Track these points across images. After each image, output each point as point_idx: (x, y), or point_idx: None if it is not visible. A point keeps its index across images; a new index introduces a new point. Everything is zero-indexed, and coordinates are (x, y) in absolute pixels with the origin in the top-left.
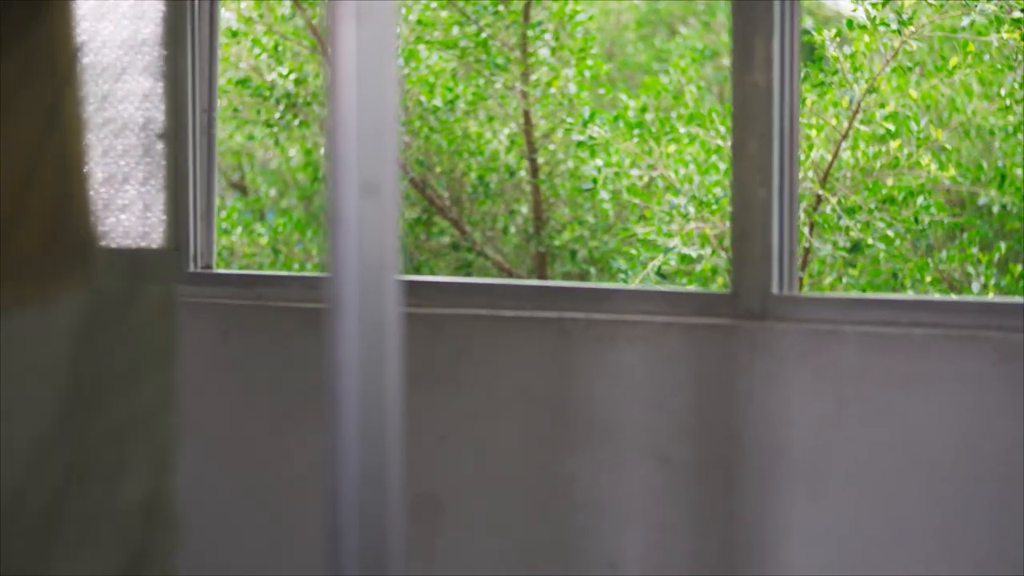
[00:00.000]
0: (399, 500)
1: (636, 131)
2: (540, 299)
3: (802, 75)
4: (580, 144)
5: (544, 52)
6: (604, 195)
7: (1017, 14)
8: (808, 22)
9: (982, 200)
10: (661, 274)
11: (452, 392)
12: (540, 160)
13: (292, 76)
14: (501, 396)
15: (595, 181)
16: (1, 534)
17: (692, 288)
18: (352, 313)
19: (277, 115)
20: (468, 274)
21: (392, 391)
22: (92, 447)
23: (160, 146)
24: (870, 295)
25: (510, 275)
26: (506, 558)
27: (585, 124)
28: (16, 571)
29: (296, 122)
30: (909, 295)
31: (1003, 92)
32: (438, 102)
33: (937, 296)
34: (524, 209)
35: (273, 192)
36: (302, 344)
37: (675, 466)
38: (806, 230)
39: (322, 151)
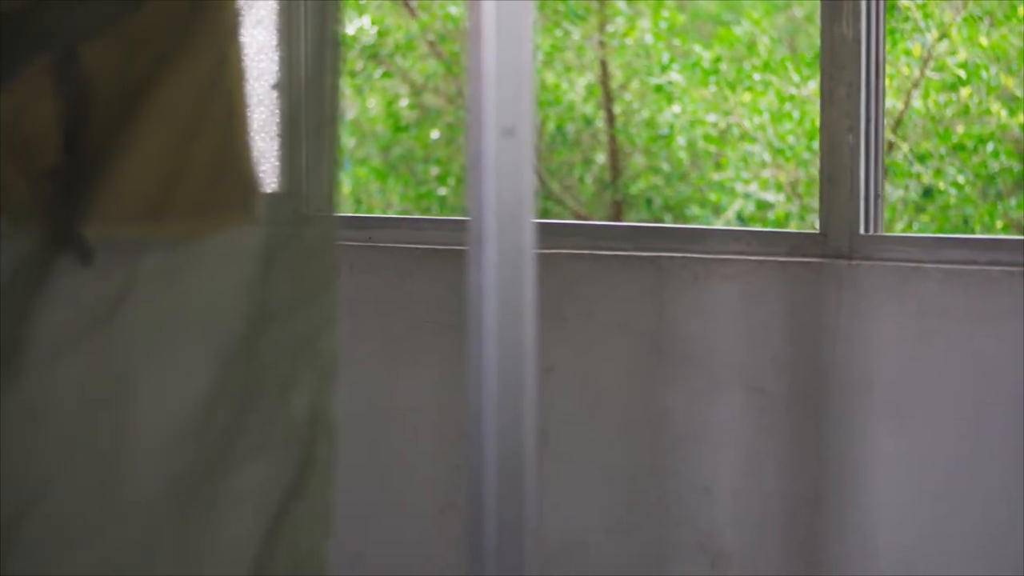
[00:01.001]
0: (533, 429)
1: (711, 79)
2: (638, 239)
3: None
4: (658, 88)
5: (621, 3)
6: (680, 142)
7: None
8: None
9: None
10: (740, 218)
11: (556, 327)
12: (616, 110)
13: (374, 28)
14: (602, 331)
15: (671, 128)
16: (193, 443)
17: (783, 229)
18: (491, 250)
19: (359, 66)
20: None
21: (528, 325)
22: (265, 364)
23: (274, 96)
24: (951, 235)
25: None
26: (607, 484)
27: (663, 69)
28: (204, 477)
29: (378, 73)
30: (986, 236)
31: None
32: None
33: (1014, 236)
34: (600, 158)
35: (352, 143)
36: (411, 283)
37: (767, 397)
38: None
39: (403, 102)
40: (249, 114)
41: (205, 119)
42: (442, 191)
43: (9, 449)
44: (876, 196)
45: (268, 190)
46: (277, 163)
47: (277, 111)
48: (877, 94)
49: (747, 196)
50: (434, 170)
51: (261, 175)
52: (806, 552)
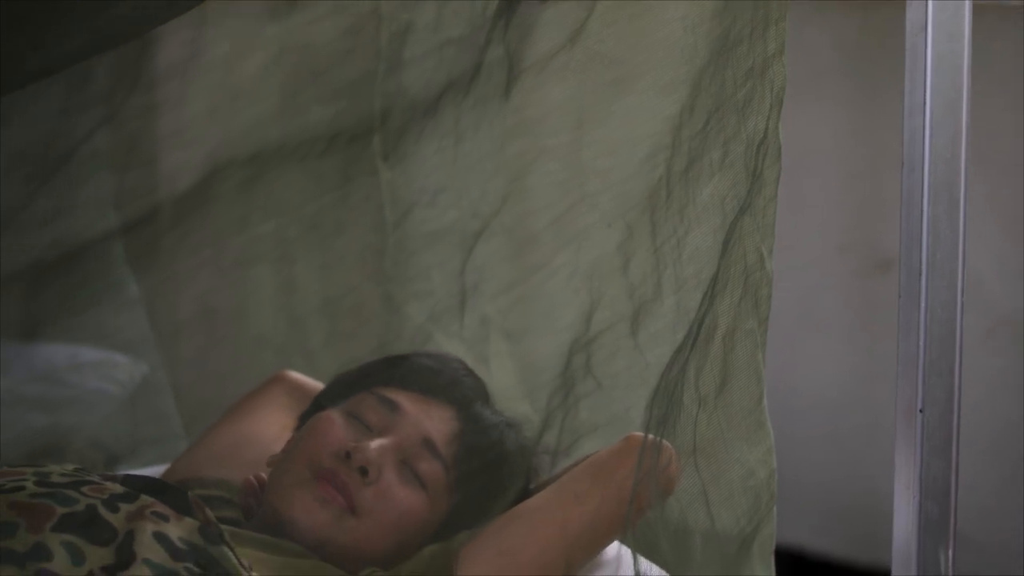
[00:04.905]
0: (966, 165)
1: None
2: None
3: None
4: None
5: None
6: None
7: None
8: None
9: None
10: None
11: None
12: None
13: None
14: (994, 78)
15: None
16: (667, 156)
17: None
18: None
19: None
20: None
21: (965, 65)
22: (726, 88)
23: None
24: None
25: None
26: (998, 222)
27: None
28: (677, 188)
29: None
30: None
31: None
32: None
33: None
34: None
35: None
36: (811, 32)
37: None
38: None
39: None
40: None
41: None
42: None
43: (496, 156)
44: None
45: None
46: None
47: None
48: None
49: None
50: None
51: None
52: None
